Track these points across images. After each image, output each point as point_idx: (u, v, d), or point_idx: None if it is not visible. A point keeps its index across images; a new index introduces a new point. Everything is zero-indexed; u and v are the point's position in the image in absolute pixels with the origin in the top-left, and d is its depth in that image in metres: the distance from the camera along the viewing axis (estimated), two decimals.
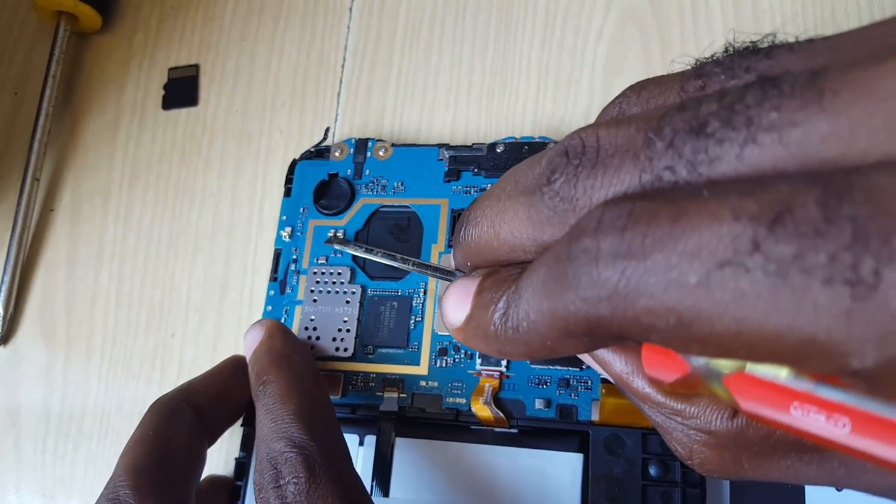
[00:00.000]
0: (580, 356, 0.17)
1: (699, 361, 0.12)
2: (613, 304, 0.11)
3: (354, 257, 0.27)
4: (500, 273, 0.14)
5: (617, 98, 0.14)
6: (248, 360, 0.23)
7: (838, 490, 0.21)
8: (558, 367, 0.23)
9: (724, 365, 0.12)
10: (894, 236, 0.08)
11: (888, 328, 0.08)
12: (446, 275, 0.19)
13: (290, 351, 0.22)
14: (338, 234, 0.27)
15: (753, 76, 0.11)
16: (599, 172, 0.12)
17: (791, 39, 0.12)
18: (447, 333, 0.25)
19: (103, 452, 0.29)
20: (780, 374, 0.11)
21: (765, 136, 0.10)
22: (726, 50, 0.12)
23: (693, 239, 0.10)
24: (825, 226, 0.09)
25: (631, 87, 0.14)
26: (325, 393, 0.22)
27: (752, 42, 0.12)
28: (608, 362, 0.15)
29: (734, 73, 0.12)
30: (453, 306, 0.15)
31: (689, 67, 0.13)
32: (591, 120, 0.14)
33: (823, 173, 0.09)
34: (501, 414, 0.23)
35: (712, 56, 0.13)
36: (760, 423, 0.12)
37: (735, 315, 0.09)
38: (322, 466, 0.18)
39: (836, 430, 0.10)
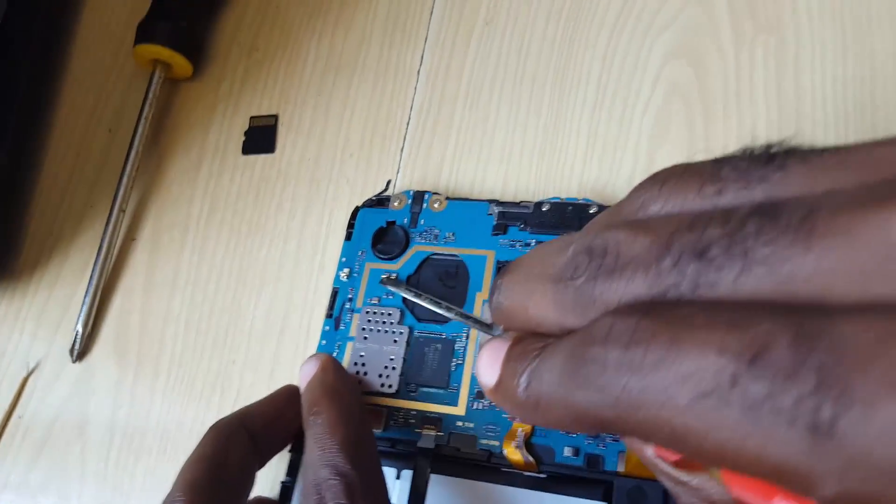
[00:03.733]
0: None
1: None
2: (617, 411, 0.12)
3: (405, 300, 0.29)
4: (527, 342, 0.15)
5: (640, 188, 0.15)
6: (301, 390, 0.25)
7: None
8: None
9: None
10: (851, 387, 0.09)
11: (845, 467, 0.09)
12: (485, 328, 0.21)
13: (340, 385, 0.24)
14: (391, 277, 0.29)
15: (762, 196, 0.12)
16: (616, 277, 0.13)
17: (806, 146, 0.13)
18: None
19: (161, 467, 0.31)
20: None
21: (758, 268, 0.11)
22: (745, 152, 0.13)
23: (684, 366, 0.11)
24: (794, 370, 0.10)
25: (653, 178, 0.15)
26: (369, 426, 0.23)
27: (768, 146, 0.13)
28: (629, 441, 0.16)
29: (748, 182, 0.13)
30: (485, 369, 0.16)
31: (709, 164, 0.14)
32: (634, 184, 0.15)
33: (804, 312, 0.11)
34: (531, 458, 0.24)
35: (732, 156, 0.14)
36: None
37: (717, 438, 0.11)
38: (361, 494, 0.20)
39: None
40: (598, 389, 0.12)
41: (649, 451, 0.15)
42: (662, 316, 0.12)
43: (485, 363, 0.16)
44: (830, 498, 0.10)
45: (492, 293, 0.17)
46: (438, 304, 0.23)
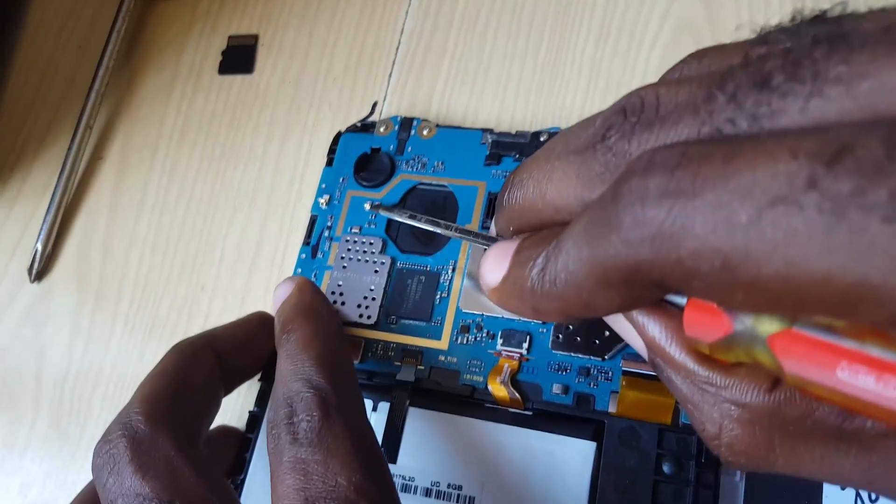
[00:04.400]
0: (613, 324, 0.16)
1: (743, 322, 0.12)
2: (657, 246, 0.10)
3: (388, 229, 0.27)
4: (542, 233, 0.14)
5: (678, 64, 0.14)
6: (275, 311, 0.23)
7: (872, 501, 0.20)
8: (580, 355, 0.23)
9: (769, 327, 0.11)
10: None
11: None
12: (488, 241, 0.19)
13: (317, 305, 0.22)
14: (381, 203, 0.27)
15: (821, 37, 0.11)
16: (658, 126, 0.11)
17: (863, 9, 0.11)
18: (471, 311, 0.25)
19: (120, 394, 0.29)
20: (828, 334, 0.10)
21: (831, 88, 0.10)
22: (793, 18, 0.12)
23: (746, 176, 0.09)
24: (888, 164, 0.08)
25: (692, 54, 0.13)
26: (347, 348, 0.22)
27: (822, 10, 0.12)
28: (643, 325, 0.14)
29: (801, 39, 0.11)
30: (491, 267, 0.15)
31: (753, 37, 0.13)
32: None
33: (890, 119, 0.09)
34: (518, 395, 0.23)
35: (779, 24, 0.12)
36: (803, 390, 0.12)
37: (785, 256, 0.09)
38: (336, 409, 0.18)
39: (886, 392, 0.09)
40: (633, 225, 0.11)
41: (674, 348, 0.13)
42: (716, 140, 0.10)
43: (491, 261, 0.14)
44: None
45: (502, 192, 0.15)
46: (437, 224, 0.21)
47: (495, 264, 0.14)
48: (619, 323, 0.16)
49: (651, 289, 0.12)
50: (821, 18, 0.11)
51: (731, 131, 0.11)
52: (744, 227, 0.09)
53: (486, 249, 0.17)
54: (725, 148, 0.10)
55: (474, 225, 0.26)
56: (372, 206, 0.27)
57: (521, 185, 0.14)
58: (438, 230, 0.21)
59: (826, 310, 0.09)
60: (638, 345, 0.15)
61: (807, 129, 0.10)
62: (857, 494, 0.21)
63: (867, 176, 0.08)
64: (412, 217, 0.22)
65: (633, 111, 0.12)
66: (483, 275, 0.15)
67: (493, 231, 0.17)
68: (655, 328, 0.14)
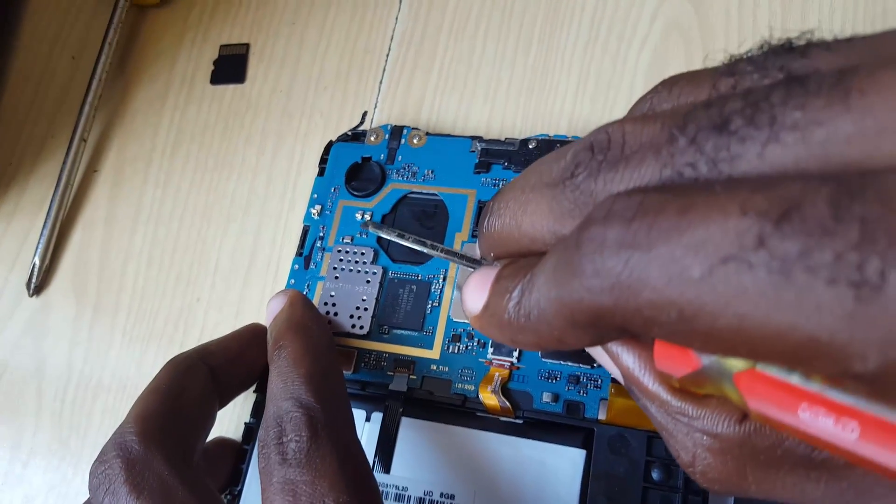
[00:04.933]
0: (591, 352, 0.17)
1: (710, 359, 0.12)
2: (616, 295, 0.11)
3: (379, 239, 0.27)
4: (519, 263, 0.14)
5: (648, 93, 0.14)
6: (268, 325, 0.24)
7: None
8: (569, 364, 0.23)
9: (735, 364, 0.11)
10: None
11: (891, 331, 0.08)
12: (472, 263, 0.19)
13: (308, 320, 0.23)
14: (369, 220, 0.28)
15: (785, 76, 0.11)
16: (621, 167, 0.12)
17: (830, 38, 0.12)
18: (462, 320, 0.25)
19: (120, 405, 0.29)
20: (790, 374, 0.10)
21: (788, 134, 0.10)
22: (761, 47, 0.12)
23: (698, 232, 0.10)
24: (833, 224, 0.09)
25: (663, 83, 0.14)
26: (337, 363, 0.22)
27: (788, 40, 0.12)
28: (617, 355, 0.15)
29: (767, 72, 0.12)
30: (472, 294, 0.15)
31: (722, 64, 0.13)
32: None
33: (840, 173, 0.09)
34: (508, 403, 0.23)
35: (747, 52, 0.12)
36: (769, 425, 0.12)
37: (736, 312, 0.09)
38: (325, 429, 0.18)
39: (844, 434, 0.10)
40: (594, 273, 0.11)
41: (647, 378, 0.13)
42: (673, 190, 0.10)
43: (472, 289, 0.15)
44: (870, 373, 0.08)
45: (482, 218, 0.15)
46: (423, 244, 0.21)
47: (476, 292, 0.15)
48: (595, 351, 0.16)
49: (616, 331, 0.12)
50: (787, 48, 0.12)
51: (692, 175, 0.11)
52: (696, 282, 0.10)
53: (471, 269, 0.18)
54: (680, 200, 0.10)
55: (465, 233, 0.27)
56: (363, 225, 0.27)
57: (499, 215, 0.15)
58: (425, 250, 0.21)
59: (780, 361, 0.10)
60: (615, 372, 0.15)
61: (763, 178, 0.10)
62: None
63: (813, 236, 0.09)
64: (400, 236, 0.23)
65: (599, 149, 0.12)
66: (465, 302, 0.15)
67: (477, 253, 0.18)
68: (629, 358, 0.14)
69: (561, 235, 0.13)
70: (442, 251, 0.21)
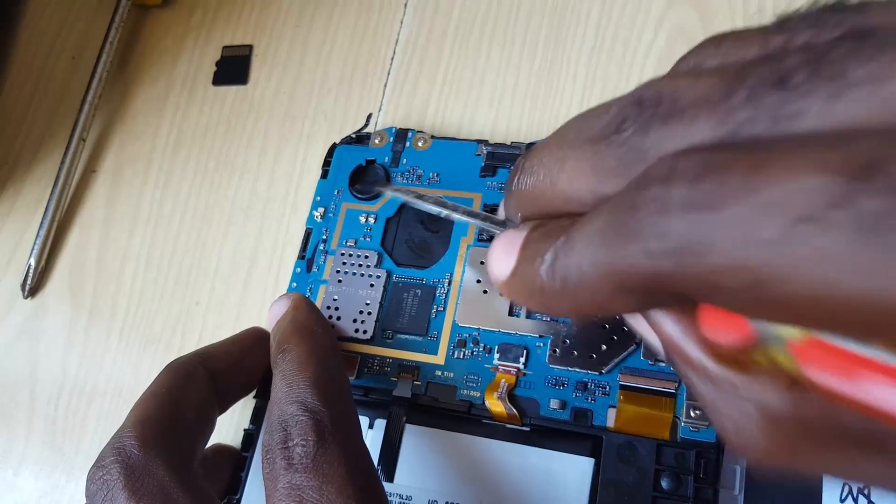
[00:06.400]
0: (626, 317, 0.16)
1: (763, 324, 0.11)
2: (680, 259, 0.10)
3: (383, 242, 0.27)
4: (550, 224, 0.13)
5: (693, 50, 0.13)
6: (271, 328, 0.23)
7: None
8: (577, 370, 0.23)
9: (791, 331, 0.11)
10: None
11: None
12: (496, 225, 0.18)
13: (313, 323, 0.22)
14: (390, 181, 0.27)
15: (844, 30, 0.11)
16: (674, 122, 0.11)
17: None
18: (468, 325, 0.24)
19: (115, 410, 0.29)
20: (853, 342, 0.10)
21: (856, 90, 0.09)
22: (814, 3, 0.12)
23: (773, 191, 0.09)
24: None
25: (710, 39, 0.13)
26: (342, 367, 0.22)
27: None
28: (659, 322, 0.14)
29: (822, 28, 0.11)
30: (498, 258, 0.14)
31: (772, 22, 0.12)
32: None
33: None
34: (515, 410, 0.23)
35: (798, 10, 0.12)
36: (826, 397, 0.11)
37: (814, 276, 0.09)
38: (332, 433, 0.18)
39: None
40: (656, 236, 0.10)
41: (691, 346, 0.12)
42: (738, 148, 0.10)
43: (497, 252, 0.14)
44: None
45: (511, 176, 0.15)
46: (444, 205, 0.20)
47: (503, 256, 0.14)
48: (634, 317, 0.15)
49: (671, 298, 0.11)
50: (841, 6, 0.11)
51: (750, 132, 0.10)
52: (771, 245, 0.09)
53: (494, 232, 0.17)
54: (750, 157, 0.10)
55: (470, 238, 0.26)
56: (378, 186, 0.27)
57: (532, 172, 0.14)
58: (444, 211, 0.20)
59: (856, 330, 0.09)
60: (653, 340, 0.15)
61: (832, 135, 0.09)
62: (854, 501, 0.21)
63: None
64: (418, 197, 0.21)
65: (649, 103, 0.11)
66: (490, 267, 0.14)
67: (501, 214, 0.17)
68: (671, 325, 0.13)
69: (603, 195, 0.12)
70: (463, 212, 0.19)
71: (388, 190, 0.24)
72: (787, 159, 0.09)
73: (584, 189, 0.12)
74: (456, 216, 0.19)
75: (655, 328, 0.14)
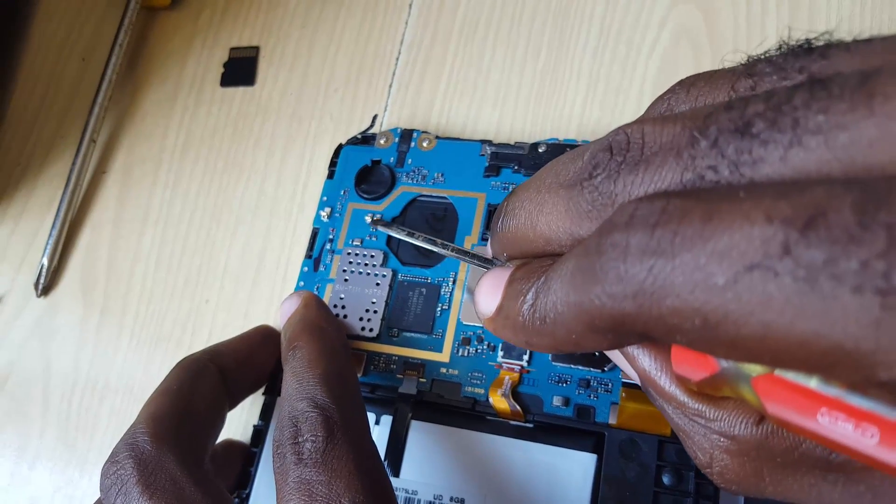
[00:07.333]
0: (608, 352, 0.17)
1: (728, 362, 0.12)
2: (639, 302, 0.11)
3: (388, 242, 0.27)
4: (532, 264, 0.14)
5: (666, 93, 0.14)
6: (281, 326, 0.24)
7: None
8: (580, 367, 0.23)
9: (753, 368, 0.11)
10: None
11: None
12: (484, 262, 0.19)
13: (323, 321, 0.23)
14: (378, 218, 0.28)
15: (805, 77, 0.11)
16: (641, 169, 0.12)
17: (848, 39, 0.12)
18: (472, 323, 0.25)
19: (127, 407, 0.29)
20: (809, 378, 0.10)
21: (810, 138, 0.10)
22: (780, 48, 0.12)
23: (723, 239, 0.10)
24: (859, 232, 0.09)
25: (680, 83, 0.13)
26: (351, 364, 0.22)
27: (807, 40, 0.12)
28: (635, 358, 0.15)
29: (786, 73, 0.11)
30: (485, 296, 0.15)
31: (740, 64, 0.13)
32: None
33: (864, 178, 0.09)
34: (518, 407, 0.23)
35: (765, 53, 0.12)
36: (787, 428, 0.12)
37: (761, 320, 0.09)
38: (341, 429, 0.18)
39: (863, 439, 0.10)
40: (617, 280, 0.11)
41: (664, 380, 0.13)
42: (696, 195, 0.10)
43: (485, 290, 0.15)
44: (894, 380, 0.09)
45: (496, 218, 0.15)
46: (434, 243, 0.21)
47: (489, 294, 0.15)
48: (612, 353, 0.16)
49: (636, 337, 0.12)
50: (807, 49, 0.12)
51: (713, 178, 0.11)
52: (721, 290, 0.10)
53: (483, 269, 0.18)
54: (704, 206, 0.10)
55: (474, 237, 0.27)
56: (372, 222, 0.27)
57: (513, 215, 0.15)
58: (435, 249, 0.21)
59: (803, 368, 0.10)
60: (631, 373, 0.15)
61: (785, 183, 0.10)
62: None
63: (839, 244, 0.09)
64: (410, 234, 0.23)
65: (618, 150, 0.12)
66: (477, 304, 0.15)
67: (488, 251, 0.17)
68: (646, 360, 0.14)
69: (578, 237, 0.13)
70: (453, 250, 0.21)
71: (380, 227, 0.25)
72: (739, 209, 0.10)
73: (562, 231, 0.13)
74: (446, 253, 0.20)
75: (631, 363, 0.15)
